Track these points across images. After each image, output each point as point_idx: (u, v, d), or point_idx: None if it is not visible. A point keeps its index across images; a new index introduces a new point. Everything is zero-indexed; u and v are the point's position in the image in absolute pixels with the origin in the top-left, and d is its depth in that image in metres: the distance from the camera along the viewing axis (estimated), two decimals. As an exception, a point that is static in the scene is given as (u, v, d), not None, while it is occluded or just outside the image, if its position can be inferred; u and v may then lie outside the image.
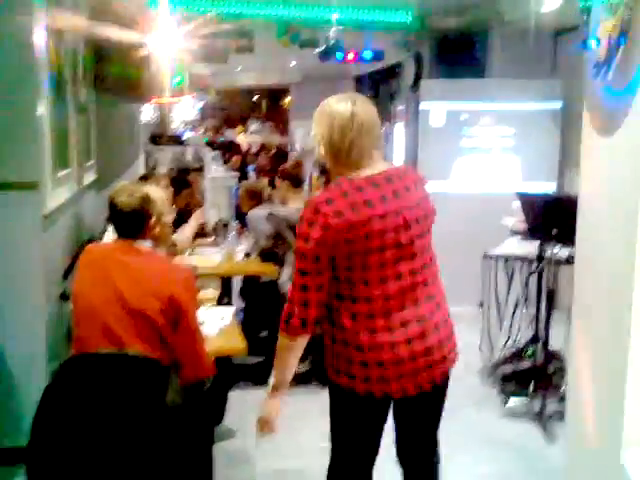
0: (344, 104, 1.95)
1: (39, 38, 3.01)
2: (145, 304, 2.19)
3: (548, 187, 5.64)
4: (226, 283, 4.59)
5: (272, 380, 2.03)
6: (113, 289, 2.22)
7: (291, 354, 1.98)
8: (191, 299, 2.29)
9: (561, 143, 5.75)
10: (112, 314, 2.20)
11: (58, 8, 3.49)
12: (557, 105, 5.73)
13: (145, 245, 2.35)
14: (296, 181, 4.60)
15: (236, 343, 2.66)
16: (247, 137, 14.32)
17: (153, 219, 2.38)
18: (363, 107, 1.96)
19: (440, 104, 5.90)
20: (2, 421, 2.97)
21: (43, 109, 3.06)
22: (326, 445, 2.23)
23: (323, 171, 4.80)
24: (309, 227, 1.84)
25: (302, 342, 1.96)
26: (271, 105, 15.89)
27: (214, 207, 8.50)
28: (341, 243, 1.84)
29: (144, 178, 4.88)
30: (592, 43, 2.24)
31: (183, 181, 5.36)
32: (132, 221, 2.34)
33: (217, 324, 2.78)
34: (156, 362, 2.16)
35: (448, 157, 5.86)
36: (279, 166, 6.04)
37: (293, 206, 4.40)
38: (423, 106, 5.90)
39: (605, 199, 2.29)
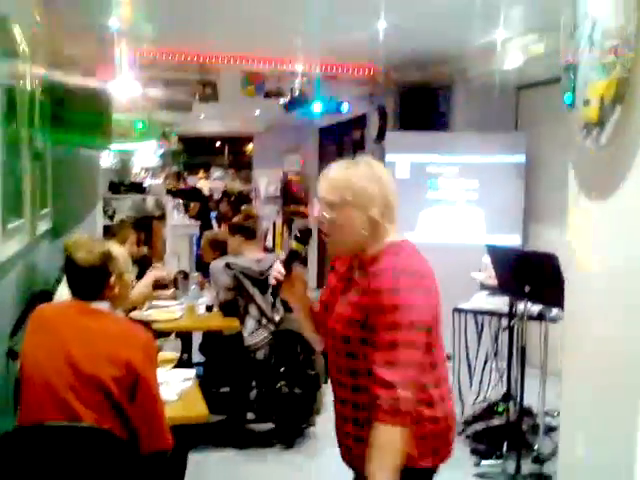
0: (379, 165, 1.84)
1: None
2: (99, 371, 2.01)
3: (512, 240, 5.64)
4: (186, 338, 4.39)
5: None
6: (65, 354, 2.04)
7: (401, 447, 1.62)
8: (150, 365, 2.10)
9: (525, 196, 5.79)
10: (64, 381, 2.01)
11: (13, 55, 3.36)
12: (521, 158, 5.78)
13: (102, 306, 2.17)
14: (248, 233, 4.46)
15: (198, 409, 2.48)
16: (210, 183, 14.21)
17: (113, 278, 2.21)
18: None
19: (405, 156, 5.91)
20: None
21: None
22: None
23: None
24: (410, 294, 1.64)
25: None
26: (234, 153, 15.86)
27: (174, 257, 8.32)
28: (438, 305, 1.76)
29: (111, 233, 4.67)
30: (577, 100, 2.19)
31: (145, 227, 5.19)
32: (91, 280, 2.16)
33: (177, 387, 2.60)
34: (110, 434, 1.97)
35: (414, 209, 5.84)
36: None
37: (250, 257, 4.27)
38: (388, 158, 5.90)
39: (603, 263, 2.24)
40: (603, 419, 2.23)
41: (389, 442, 1.60)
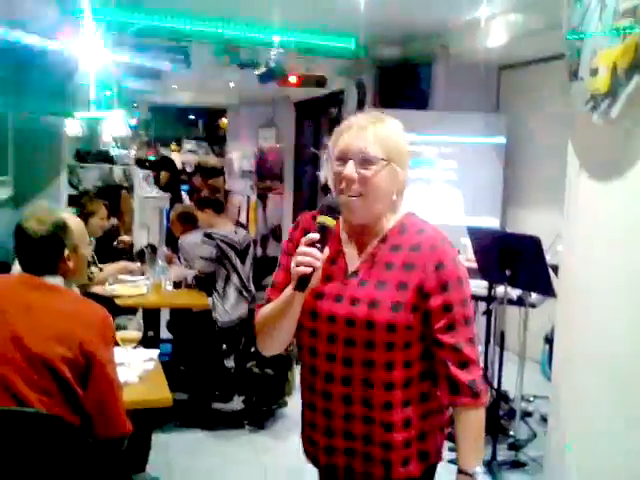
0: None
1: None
2: (49, 350, 1.82)
3: (490, 222, 5.55)
4: (153, 315, 4.21)
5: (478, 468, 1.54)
6: (11, 332, 1.85)
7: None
8: (106, 346, 1.92)
9: (504, 178, 5.69)
10: (9, 362, 1.83)
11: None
12: (501, 140, 5.67)
13: (54, 281, 1.98)
14: (218, 206, 4.33)
15: (160, 393, 2.31)
16: (182, 156, 13.91)
17: (67, 251, 2.01)
18: None
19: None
20: None
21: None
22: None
23: None
24: (461, 265, 1.55)
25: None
26: (209, 126, 15.54)
27: (144, 229, 8.08)
28: None
29: (80, 205, 4.44)
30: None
31: (112, 198, 4.98)
32: (41, 252, 1.97)
33: (139, 368, 2.43)
34: (60, 420, 1.81)
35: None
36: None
37: (224, 229, 4.13)
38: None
39: (603, 241, 2.11)
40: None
41: (481, 426, 1.53)
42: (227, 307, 3.98)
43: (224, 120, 13.29)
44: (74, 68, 4.71)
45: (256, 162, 10.15)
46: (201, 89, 10.28)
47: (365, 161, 1.48)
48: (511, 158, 5.71)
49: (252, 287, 4.17)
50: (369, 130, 1.49)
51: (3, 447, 1.80)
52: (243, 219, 9.99)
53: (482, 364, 3.69)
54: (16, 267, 2.90)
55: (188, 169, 13.35)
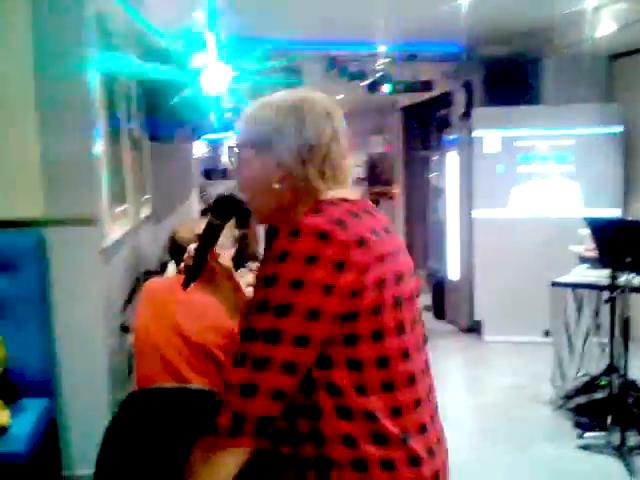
0: (316, 94, 1.28)
1: (93, 78, 3.05)
2: (206, 339, 2.13)
3: (612, 214, 5.43)
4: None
5: None
6: (173, 324, 2.17)
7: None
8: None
9: (624, 168, 5.55)
10: (173, 349, 2.15)
11: (110, 49, 3.55)
12: (617, 129, 5.55)
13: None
14: None
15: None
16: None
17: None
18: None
19: (494, 132, 5.81)
20: (67, 451, 2.99)
21: (99, 147, 3.09)
22: None
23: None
24: (307, 265, 1.08)
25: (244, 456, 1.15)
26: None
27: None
28: (368, 291, 1.12)
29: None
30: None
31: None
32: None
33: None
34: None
35: (505, 184, 5.73)
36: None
37: None
38: (476, 134, 5.82)
39: None
40: None
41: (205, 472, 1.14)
42: None
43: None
44: (200, 94, 5.12)
45: (367, 169, 10.39)
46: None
47: (232, 152, 1.31)
48: (630, 148, 5.57)
49: None
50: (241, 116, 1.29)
51: (171, 422, 2.09)
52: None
53: (604, 354, 3.64)
54: (170, 269, 3.28)
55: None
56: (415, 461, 1.16)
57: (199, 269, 1.38)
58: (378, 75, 6.64)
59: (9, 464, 2.29)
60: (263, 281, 1.10)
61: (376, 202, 9.69)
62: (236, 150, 1.28)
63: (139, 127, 4.64)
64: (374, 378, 1.14)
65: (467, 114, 6.63)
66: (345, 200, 1.21)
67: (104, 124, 3.27)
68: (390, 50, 6.29)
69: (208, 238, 1.38)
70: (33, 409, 2.64)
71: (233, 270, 1.46)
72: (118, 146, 3.76)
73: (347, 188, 1.27)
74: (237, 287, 1.46)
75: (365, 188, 10.28)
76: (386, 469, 1.13)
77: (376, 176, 10.18)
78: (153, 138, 5.09)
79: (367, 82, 6.78)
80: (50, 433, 2.82)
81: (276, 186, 1.21)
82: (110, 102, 3.50)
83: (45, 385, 2.84)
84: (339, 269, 1.08)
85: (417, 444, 1.17)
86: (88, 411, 2.92)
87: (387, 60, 6.49)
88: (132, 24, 4.31)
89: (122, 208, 3.65)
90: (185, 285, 1.40)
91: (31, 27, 2.85)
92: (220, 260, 1.43)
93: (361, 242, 1.12)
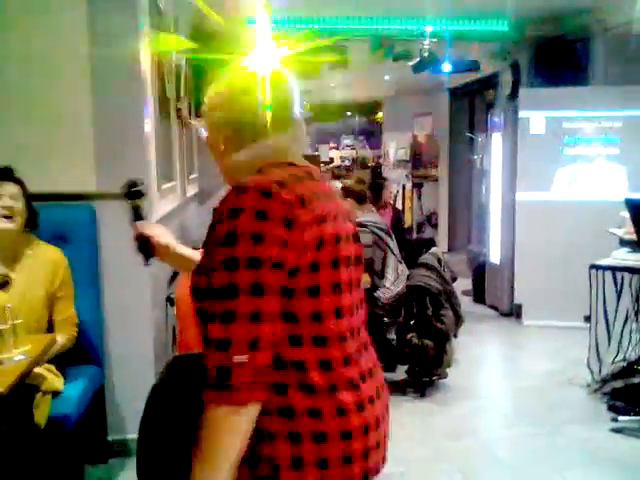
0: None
1: (145, 58, 3.16)
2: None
3: (658, 197, 5.34)
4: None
5: None
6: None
7: (236, 437, 1.14)
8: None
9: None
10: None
11: (162, 29, 3.66)
12: (668, 111, 5.43)
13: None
14: (359, 197, 4.64)
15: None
16: (340, 152, 14.45)
17: None
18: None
19: (540, 113, 5.75)
20: (113, 417, 3.14)
21: (149, 126, 3.20)
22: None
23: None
24: (257, 220, 1.13)
25: (254, 412, 1.16)
26: (364, 119, 15.96)
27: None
28: (308, 248, 1.18)
29: None
30: None
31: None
32: None
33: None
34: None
35: (549, 166, 5.67)
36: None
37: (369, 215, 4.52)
38: (522, 114, 5.77)
39: None
40: None
41: (212, 428, 1.14)
42: (387, 285, 4.28)
43: (380, 114, 13.61)
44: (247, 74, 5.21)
45: (411, 151, 10.36)
46: (357, 84, 10.66)
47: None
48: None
49: (404, 264, 4.44)
50: None
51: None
52: (399, 207, 10.24)
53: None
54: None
55: (347, 163, 13.83)
56: (342, 411, 1.22)
57: (143, 247, 1.62)
58: (425, 55, 6.61)
59: (60, 425, 2.42)
60: (223, 240, 1.14)
61: (419, 184, 9.68)
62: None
63: (188, 106, 4.76)
64: (307, 331, 1.20)
65: (514, 95, 6.56)
66: (291, 164, 1.29)
67: (155, 103, 3.39)
68: (437, 30, 6.25)
69: (133, 218, 1.64)
70: (84, 376, 2.79)
71: (172, 244, 1.66)
72: (168, 125, 3.90)
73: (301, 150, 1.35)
74: (188, 257, 1.65)
75: (408, 170, 10.27)
76: (312, 416, 1.20)
77: (420, 158, 10.15)
78: (199, 115, 5.23)
79: (413, 62, 6.76)
80: (98, 399, 2.97)
81: (222, 147, 1.33)
82: (161, 81, 3.62)
83: (95, 353, 2.99)
84: (287, 225, 1.14)
85: (345, 396, 1.23)
86: (134, 379, 3.05)
87: (434, 40, 6.46)
88: (183, 3, 4.43)
89: (170, 185, 3.79)
90: (144, 262, 1.64)
91: (85, 8, 2.96)
92: (158, 238, 1.64)
93: (302, 201, 1.18)
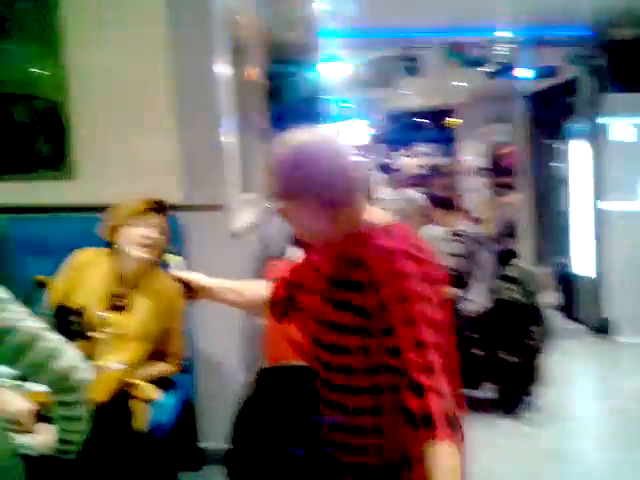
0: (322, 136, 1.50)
1: (225, 72, 3.24)
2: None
3: None
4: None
5: None
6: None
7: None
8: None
9: None
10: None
11: (238, 42, 3.76)
12: None
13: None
14: (447, 204, 4.56)
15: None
16: (416, 160, 14.35)
17: None
18: None
19: (623, 120, 5.54)
20: (205, 424, 3.19)
21: (230, 139, 3.28)
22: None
23: None
24: (417, 280, 1.33)
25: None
26: (436, 126, 15.79)
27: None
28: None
29: None
30: None
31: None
32: None
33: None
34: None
35: (634, 174, 5.45)
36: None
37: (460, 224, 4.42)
38: (603, 121, 5.58)
39: None
40: None
41: (449, 468, 1.20)
42: (473, 298, 4.17)
43: (451, 119, 13.45)
44: (318, 85, 5.27)
45: (489, 159, 10.17)
46: (430, 91, 10.58)
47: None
48: None
49: (494, 278, 4.33)
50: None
51: (300, 398, 2.22)
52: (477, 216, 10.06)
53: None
54: (288, 253, 3.45)
55: (423, 171, 13.72)
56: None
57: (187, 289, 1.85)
58: (500, 61, 6.51)
59: (155, 433, 2.47)
60: (398, 299, 1.31)
61: (498, 194, 9.49)
62: (275, 204, 1.48)
63: (265, 118, 4.85)
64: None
65: (594, 101, 6.36)
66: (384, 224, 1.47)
67: (235, 116, 3.48)
68: (513, 35, 6.15)
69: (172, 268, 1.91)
70: (176, 384, 2.79)
71: (210, 283, 1.86)
72: (247, 137, 3.98)
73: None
74: (234, 290, 1.86)
75: (487, 179, 10.08)
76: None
77: (499, 166, 9.95)
78: (277, 129, 5.32)
79: (488, 69, 6.66)
80: (189, 407, 3.02)
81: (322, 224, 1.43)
82: (241, 95, 3.70)
83: (186, 362, 3.08)
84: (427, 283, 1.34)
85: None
86: (223, 388, 3.13)
87: (510, 45, 6.34)
88: (256, 18, 4.52)
89: (249, 196, 3.87)
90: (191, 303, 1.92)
91: (165, 21, 3.05)
92: (197, 282, 1.84)
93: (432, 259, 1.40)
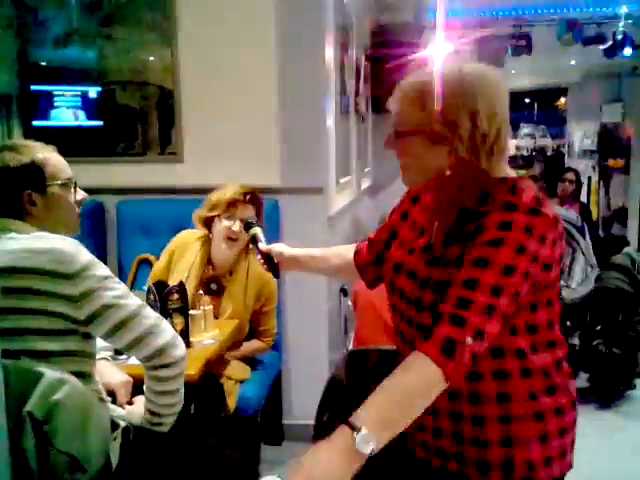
0: (481, 70, 1.31)
1: (329, 56, 3.25)
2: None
3: None
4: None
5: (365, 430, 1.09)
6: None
7: (429, 398, 1.16)
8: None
9: None
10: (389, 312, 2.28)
11: (345, 24, 3.75)
12: None
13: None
14: (543, 189, 4.39)
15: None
16: (519, 141, 13.86)
17: None
18: None
19: None
20: (291, 402, 3.28)
21: (331, 122, 3.30)
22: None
23: None
24: (526, 234, 1.20)
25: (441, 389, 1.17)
26: (545, 107, 15.17)
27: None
28: (555, 266, 1.29)
29: None
30: None
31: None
32: None
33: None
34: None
35: None
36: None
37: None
38: None
39: None
40: None
41: (415, 390, 1.14)
42: (573, 285, 4.03)
43: (562, 100, 12.86)
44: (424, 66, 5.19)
45: (599, 140, 9.66)
46: (539, 71, 10.15)
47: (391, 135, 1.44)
48: None
49: (596, 265, 4.14)
50: None
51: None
52: (584, 199, 9.61)
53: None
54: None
55: (525, 153, 13.26)
56: (574, 403, 1.38)
57: (269, 264, 1.82)
58: (618, 38, 6.17)
59: (244, 408, 2.57)
60: (487, 242, 1.21)
61: (607, 176, 9.01)
62: (399, 135, 1.31)
63: (365, 100, 4.84)
64: (544, 338, 1.32)
65: None
66: (520, 179, 1.32)
67: (336, 100, 3.49)
68: (633, 10, 5.79)
69: (253, 242, 1.91)
70: (265, 361, 2.90)
71: (292, 253, 1.82)
72: (347, 120, 3.99)
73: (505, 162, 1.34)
74: (318, 257, 1.84)
75: (595, 161, 9.59)
76: (557, 415, 1.34)
77: (609, 148, 9.42)
78: (375, 109, 5.28)
79: (605, 46, 6.33)
80: (276, 384, 3.12)
81: (447, 172, 1.28)
82: (342, 78, 3.71)
83: (275, 340, 3.17)
84: (542, 242, 1.22)
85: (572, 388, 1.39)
86: (308, 367, 3.17)
87: (629, 21, 5.99)
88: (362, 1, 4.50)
89: (346, 179, 3.88)
90: (275, 276, 1.88)
91: (272, 9, 3.08)
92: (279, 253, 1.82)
93: (557, 219, 1.26)
